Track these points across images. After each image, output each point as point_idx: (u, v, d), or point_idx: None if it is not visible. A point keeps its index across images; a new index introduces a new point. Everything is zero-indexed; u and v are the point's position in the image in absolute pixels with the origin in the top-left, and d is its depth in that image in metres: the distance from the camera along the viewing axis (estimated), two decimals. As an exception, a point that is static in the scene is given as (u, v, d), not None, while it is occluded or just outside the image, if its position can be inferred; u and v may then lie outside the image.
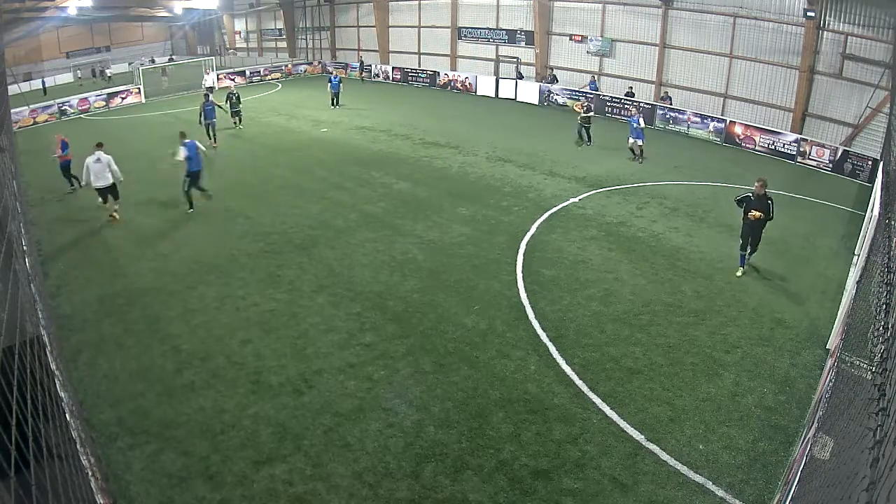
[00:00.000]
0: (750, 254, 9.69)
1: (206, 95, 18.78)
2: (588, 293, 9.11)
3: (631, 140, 16.28)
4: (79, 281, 9.72)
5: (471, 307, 8.70)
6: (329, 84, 25.39)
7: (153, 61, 39.92)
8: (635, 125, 16.08)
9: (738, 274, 9.70)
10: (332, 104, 25.13)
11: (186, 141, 12.30)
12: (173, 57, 43.37)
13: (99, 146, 11.80)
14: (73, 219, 12.60)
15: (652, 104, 21.50)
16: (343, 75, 32.83)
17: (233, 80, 29.49)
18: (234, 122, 21.01)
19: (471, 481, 5.56)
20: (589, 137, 18.33)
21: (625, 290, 9.23)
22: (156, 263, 10.26)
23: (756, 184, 9.29)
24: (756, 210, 9.17)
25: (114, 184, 11.84)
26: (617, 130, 18.69)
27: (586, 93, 23.69)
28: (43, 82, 33.74)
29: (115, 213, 12.21)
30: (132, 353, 7.64)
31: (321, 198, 13.56)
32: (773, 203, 9.23)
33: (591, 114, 18.49)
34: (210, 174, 15.50)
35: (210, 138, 18.04)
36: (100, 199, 12.15)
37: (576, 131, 18.52)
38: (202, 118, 18.14)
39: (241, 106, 21.09)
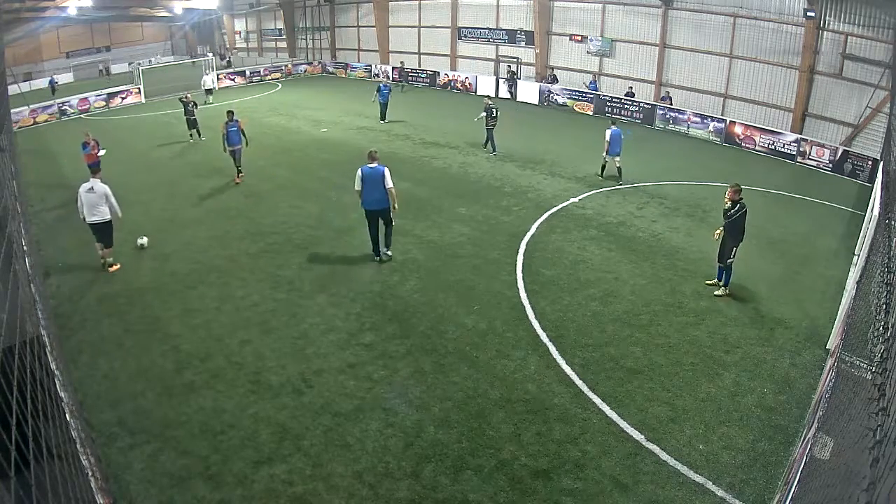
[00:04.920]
0: (721, 270, 9.03)
1: (230, 114, 14.54)
2: (588, 293, 9.10)
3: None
4: (79, 281, 9.72)
5: (471, 307, 8.70)
6: (377, 94, 22.06)
7: (151, 62, 39.98)
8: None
9: (717, 290, 9.07)
10: (382, 118, 21.89)
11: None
12: (192, 55, 43.39)
13: (95, 173, 9.94)
14: (74, 219, 12.57)
15: (652, 104, 21.51)
16: (343, 75, 32.71)
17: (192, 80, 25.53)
18: (190, 135, 18.86)
19: (471, 481, 5.56)
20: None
21: (625, 289, 9.22)
22: (156, 263, 10.26)
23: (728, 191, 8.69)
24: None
25: (107, 223, 9.71)
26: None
27: (586, 93, 23.73)
28: (51, 81, 33.56)
29: (110, 264, 10.02)
30: (132, 353, 7.64)
31: (321, 198, 13.56)
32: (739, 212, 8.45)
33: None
34: (209, 174, 15.56)
35: (236, 170, 14.76)
36: (96, 243, 9.99)
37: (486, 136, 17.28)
38: (225, 144, 14.39)
39: (196, 114, 18.67)
